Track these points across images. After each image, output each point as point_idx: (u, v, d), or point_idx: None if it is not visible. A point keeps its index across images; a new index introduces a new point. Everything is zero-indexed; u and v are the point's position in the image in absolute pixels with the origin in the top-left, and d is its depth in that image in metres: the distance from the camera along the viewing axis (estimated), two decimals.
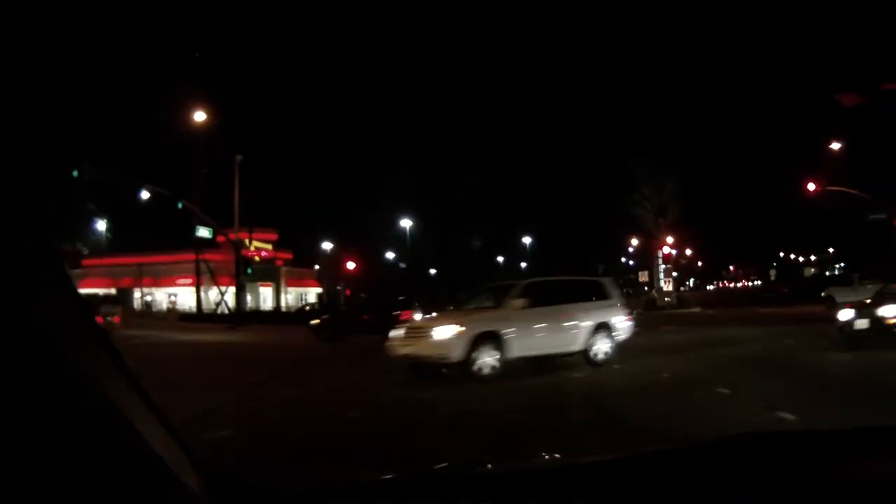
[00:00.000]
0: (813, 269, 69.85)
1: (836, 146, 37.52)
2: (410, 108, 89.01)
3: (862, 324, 15.71)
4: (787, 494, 1.48)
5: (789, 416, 7.23)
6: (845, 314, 16.35)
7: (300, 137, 73.30)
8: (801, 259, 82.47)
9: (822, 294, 30.80)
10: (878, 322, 15.39)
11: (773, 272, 70.86)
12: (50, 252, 1.12)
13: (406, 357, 12.32)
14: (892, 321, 15.42)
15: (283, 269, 52.14)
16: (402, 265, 61.43)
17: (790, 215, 56.91)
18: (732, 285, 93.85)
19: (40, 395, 1.03)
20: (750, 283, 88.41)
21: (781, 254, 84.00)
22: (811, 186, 37.58)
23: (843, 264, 65.69)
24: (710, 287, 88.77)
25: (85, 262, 55.34)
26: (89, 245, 60.10)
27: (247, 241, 39.58)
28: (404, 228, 58.04)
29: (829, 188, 37.54)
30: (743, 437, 1.89)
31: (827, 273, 62.44)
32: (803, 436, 2.03)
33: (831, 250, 75.10)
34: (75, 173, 29.80)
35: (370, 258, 54.24)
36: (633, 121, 76.58)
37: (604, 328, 13.41)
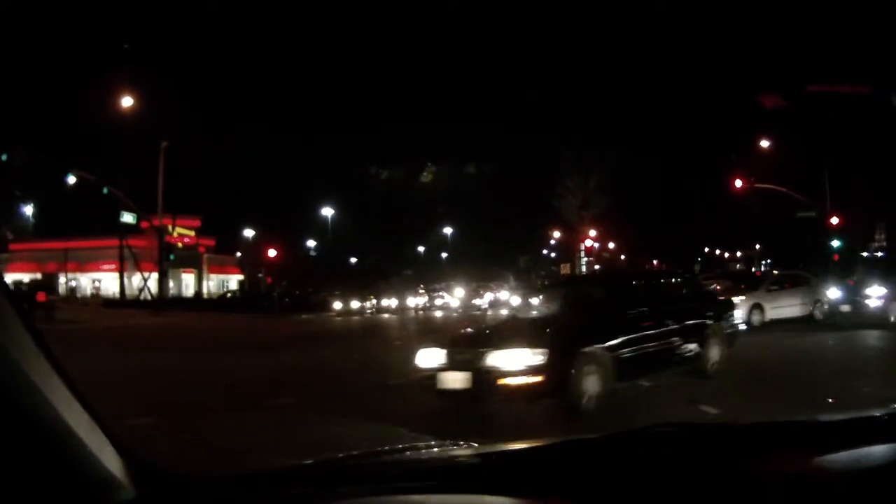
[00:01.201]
0: (738, 265, 71.53)
1: (764, 144, 39.04)
2: (329, 90, 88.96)
3: None
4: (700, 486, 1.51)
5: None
6: None
7: (224, 124, 72.88)
8: (726, 255, 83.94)
9: None
10: None
11: (697, 267, 72.89)
12: None
13: None
14: None
15: (206, 255, 52.08)
16: (314, 253, 62.00)
17: (717, 212, 58.47)
18: None
19: None
20: None
21: (707, 249, 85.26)
22: (738, 183, 38.36)
23: (769, 261, 67.31)
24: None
25: (11, 246, 54.81)
26: (14, 230, 59.47)
27: (170, 228, 39.93)
28: (326, 217, 59.12)
29: (756, 185, 38.50)
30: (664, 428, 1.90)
31: (753, 269, 64.39)
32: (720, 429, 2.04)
33: (758, 247, 76.87)
34: (4, 157, 29.96)
35: (292, 246, 54.85)
36: (560, 114, 77.24)
37: None
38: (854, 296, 21.48)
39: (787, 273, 23.65)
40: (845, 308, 21.26)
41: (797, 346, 14.84)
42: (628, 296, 9.68)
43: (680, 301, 10.29)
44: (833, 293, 21.67)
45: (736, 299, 17.44)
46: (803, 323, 19.51)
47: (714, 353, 9.92)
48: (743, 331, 15.36)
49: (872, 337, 16.25)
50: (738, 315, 16.93)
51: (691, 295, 11.13)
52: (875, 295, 21.11)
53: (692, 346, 9.42)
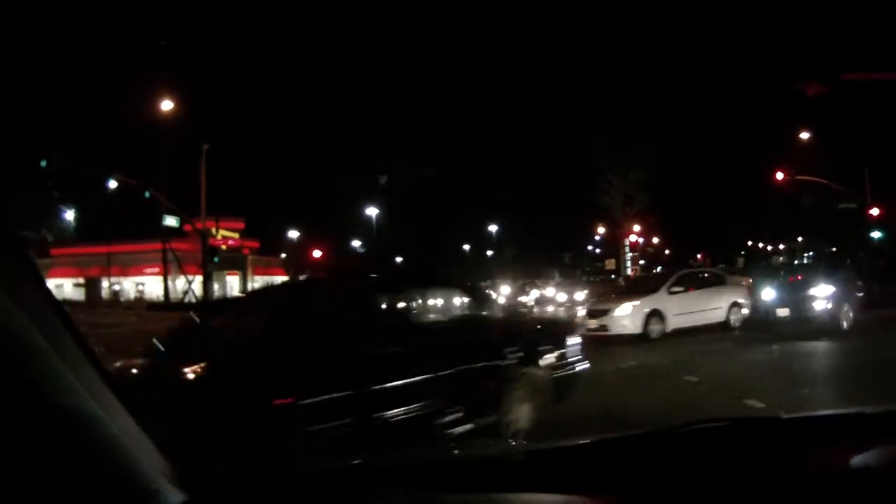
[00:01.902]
0: (781, 258, 70.66)
1: (804, 136, 38.03)
2: (373, 94, 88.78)
3: None
4: (761, 481, 1.50)
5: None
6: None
7: (268, 127, 72.92)
8: (769, 248, 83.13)
9: None
10: None
11: (740, 260, 71.77)
12: (15, 241, 1.13)
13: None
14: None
15: (250, 257, 52.14)
16: (365, 250, 61.73)
17: (760, 204, 57.76)
18: None
19: (5, 385, 1.02)
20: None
21: (750, 242, 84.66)
22: (780, 175, 38.05)
23: (811, 253, 66.58)
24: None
25: (53, 251, 54.99)
26: (55, 233, 59.69)
27: (214, 230, 39.73)
28: (370, 216, 58.17)
29: (797, 177, 38.06)
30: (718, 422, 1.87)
31: (795, 262, 63.64)
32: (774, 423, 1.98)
33: (800, 239, 75.96)
34: (43, 163, 29.77)
35: (336, 246, 54.48)
36: (602, 110, 76.86)
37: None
38: (796, 296, 16.81)
39: (695, 271, 20.75)
40: (782, 312, 16.64)
41: (696, 367, 11.48)
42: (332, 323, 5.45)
43: (449, 331, 6.52)
44: (767, 294, 17.54)
45: (625, 305, 16.25)
46: (716, 332, 16.50)
47: (520, 412, 6.30)
48: (629, 349, 13.96)
49: (810, 353, 12.72)
50: (631, 326, 16.05)
51: (476, 319, 7.07)
52: (821, 295, 16.46)
53: (475, 406, 5.61)
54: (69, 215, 60.02)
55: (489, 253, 77.01)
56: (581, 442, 1.88)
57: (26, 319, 1.03)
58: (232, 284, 53.39)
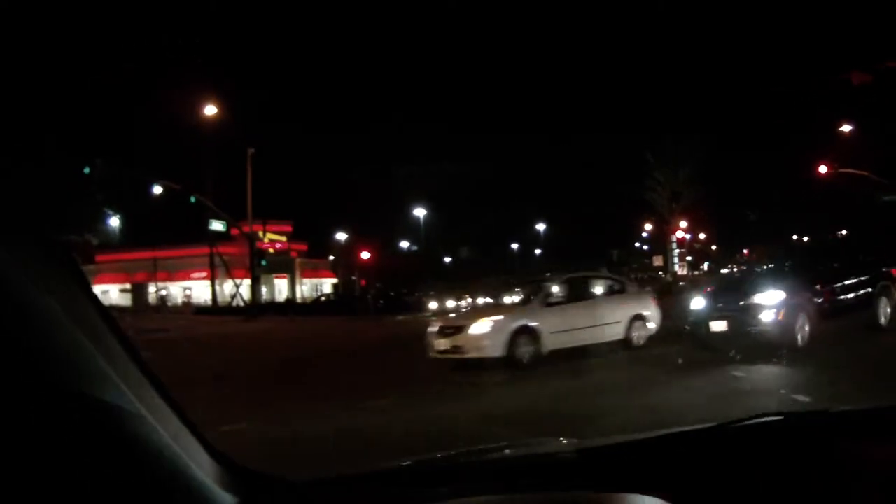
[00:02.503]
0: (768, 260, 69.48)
1: (846, 128, 37.51)
2: (421, 94, 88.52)
3: None
4: (816, 474, 1.48)
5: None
6: None
7: (313, 128, 73.06)
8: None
9: None
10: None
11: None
12: (62, 246, 1.09)
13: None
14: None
15: (298, 260, 52.17)
16: (414, 251, 61.61)
17: (803, 198, 56.85)
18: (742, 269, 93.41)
19: (52, 388, 1.00)
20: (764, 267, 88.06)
21: (795, 237, 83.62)
22: (823, 169, 37.44)
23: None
24: (724, 271, 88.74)
25: (99, 257, 55.49)
26: (101, 238, 60.18)
27: (261, 234, 39.70)
28: (418, 217, 58.27)
29: (840, 170, 37.30)
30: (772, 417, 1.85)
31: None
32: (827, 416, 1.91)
33: (843, 232, 74.73)
34: (86, 170, 29.88)
35: (385, 247, 54.28)
36: (647, 106, 75.98)
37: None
38: (733, 305, 12.57)
39: (584, 276, 15.82)
40: (718, 326, 12.27)
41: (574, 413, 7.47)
42: None
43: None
44: (697, 303, 13.22)
45: (483, 321, 12.65)
46: (612, 354, 12.89)
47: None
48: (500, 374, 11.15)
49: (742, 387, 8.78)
50: (491, 348, 12.11)
51: None
52: (769, 303, 12.05)
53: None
54: (114, 221, 60.56)
55: (537, 251, 76.43)
56: (632, 439, 1.86)
57: (73, 323, 1.03)
58: (280, 287, 53.52)
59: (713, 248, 75.68)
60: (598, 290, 15.06)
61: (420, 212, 58.16)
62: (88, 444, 1.02)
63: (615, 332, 13.74)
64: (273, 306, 42.37)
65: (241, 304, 40.13)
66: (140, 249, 54.35)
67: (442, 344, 12.70)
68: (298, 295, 52.23)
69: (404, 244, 63.81)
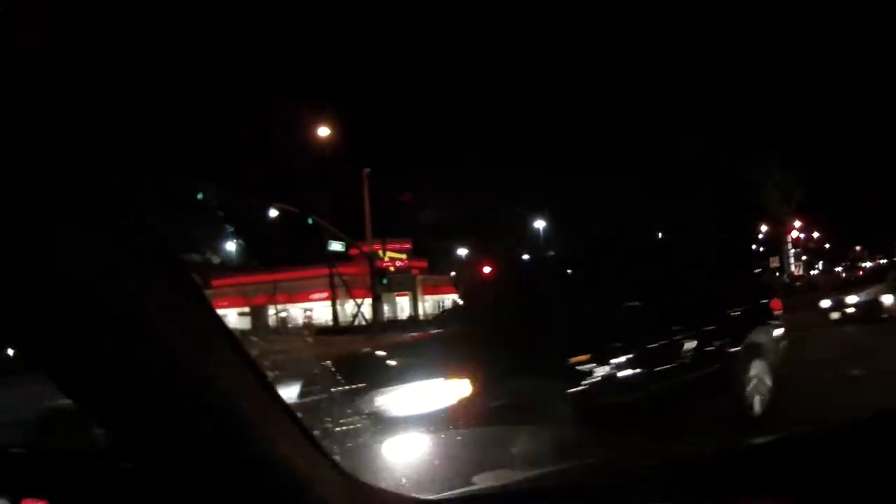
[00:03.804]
0: None
1: None
2: (532, 103, 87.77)
3: None
4: None
5: None
6: None
7: (427, 145, 73.60)
8: None
9: None
10: None
11: None
12: (180, 263, 1.08)
13: None
14: None
15: (419, 277, 52.37)
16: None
17: None
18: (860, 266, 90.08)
19: (182, 399, 1.02)
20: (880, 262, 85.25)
21: None
22: None
23: None
24: (838, 269, 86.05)
25: (215, 282, 56.99)
26: (222, 257, 61.81)
27: (380, 253, 39.84)
28: (538, 229, 57.43)
29: None
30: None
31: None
32: None
33: None
34: (200, 196, 30.59)
35: (504, 259, 53.75)
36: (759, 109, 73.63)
37: None
38: None
39: None
40: None
41: None
42: None
43: None
44: None
45: None
46: None
47: None
48: None
49: None
50: None
51: None
52: None
53: None
54: (232, 244, 62.33)
55: None
56: (758, 442, 1.83)
57: (190, 341, 1.05)
58: (402, 305, 53.78)
59: (826, 246, 73.61)
60: None
61: (539, 224, 57.56)
62: (206, 459, 1.04)
63: None
64: (396, 323, 42.31)
65: (363, 322, 40.36)
66: (258, 273, 55.55)
67: None
68: (420, 311, 52.21)
69: (525, 257, 63.15)
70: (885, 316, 15.29)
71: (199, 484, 1.04)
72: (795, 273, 63.34)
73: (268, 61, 56.74)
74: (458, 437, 3.50)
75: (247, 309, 58.09)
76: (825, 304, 19.23)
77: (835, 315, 18.28)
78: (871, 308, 17.15)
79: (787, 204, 60.14)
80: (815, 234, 72.19)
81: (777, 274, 61.25)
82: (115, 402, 1.00)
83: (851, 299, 18.48)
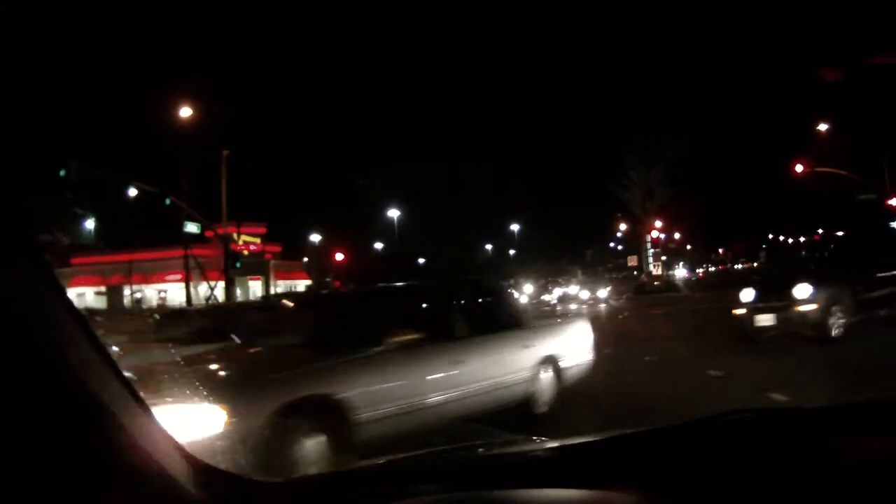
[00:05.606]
0: (803, 252, 70.20)
1: (823, 127, 37.91)
2: (391, 93, 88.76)
3: None
4: (790, 471, 1.44)
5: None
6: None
7: (286, 129, 72.95)
8: (790, 241, 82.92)
9: None
10: None
11: (762, 254, 71.42)
12: (34, 245, 1.12)
13: None
14: None
15: (272, 262, 52.01)
16: (387, 252, 61.64)
17: (779, 197, 57.50)
18: (720, 268, 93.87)
19: (25, 386, 1.02)
20: (739, 266, 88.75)
21: (771, 236, 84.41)
22: (799, 168, 37.50)
23: (832, 246, 66.08)
24: (699, 270, 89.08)
25: (74, 260, 55.00)
26: (73, 239, 59.60)
27: (235, 236, 39.66)
28: (392, 218, 57.99)
29: (817, 169, 37.41)
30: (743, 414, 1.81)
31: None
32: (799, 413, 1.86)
33: (820, 231, 75.77)
34: (62, 173, 29.78)
35: (358, 249, 54.30)
36: (620, 106, 76.72)
37: None
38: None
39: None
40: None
41: None
42: None
43: None
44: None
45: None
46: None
47: None
48: None
49: None
50: None
51: None
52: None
53: None
54: (89, 223, 60.17)
55: (511, 252, 76.68)
56: (605, 437, 1.84)
57: (44, 321, 1.04)
58: (255, 290, 53.41)
59: (688, 247, 76.15)
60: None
61: (394, 213, 58.04)
62: (53, 434, 1.03)
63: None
64: (249, 305, 41.95)
65: (215, 303, 40.09)
66: (116, 252, 54.08)
67: None
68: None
69: (378, 245, 63.91)
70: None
71: (44, 460, 1.03)
72: (653, 272, 64.39)
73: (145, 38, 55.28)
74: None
75: (103, 288, 56.39)
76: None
77: None
78: None
79: (647, 202, 59.54)
80: (677, 235, 73.36)
81: (635, 273, 63.46)
82: None
83: None
